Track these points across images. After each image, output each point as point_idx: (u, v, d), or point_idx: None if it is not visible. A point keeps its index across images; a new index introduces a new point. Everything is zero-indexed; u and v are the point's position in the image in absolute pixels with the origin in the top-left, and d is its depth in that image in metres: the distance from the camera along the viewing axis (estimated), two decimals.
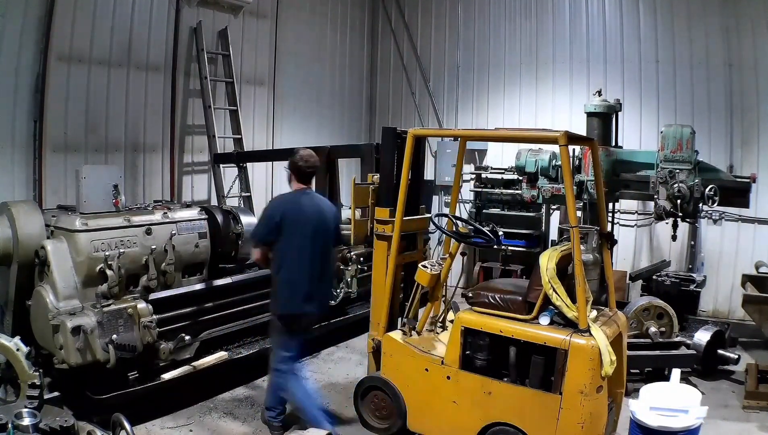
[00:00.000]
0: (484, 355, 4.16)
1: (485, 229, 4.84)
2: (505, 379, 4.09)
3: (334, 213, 4.69)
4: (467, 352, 4.22)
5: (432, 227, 5.75)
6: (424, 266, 4.68)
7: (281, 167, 8.60)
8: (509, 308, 4.12)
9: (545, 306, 4.01)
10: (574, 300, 3.87)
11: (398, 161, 4.90)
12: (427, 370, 4.37)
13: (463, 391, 4.18)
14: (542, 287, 3.95)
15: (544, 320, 3.98)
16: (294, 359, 4.48)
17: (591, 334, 3.77)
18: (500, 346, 4.11)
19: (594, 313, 4.09)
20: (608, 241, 4.58)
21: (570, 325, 3.89)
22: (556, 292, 3.89)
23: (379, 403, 4.65)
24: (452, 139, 9.13)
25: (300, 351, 4.56)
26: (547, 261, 3.97)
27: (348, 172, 7.32)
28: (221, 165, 7.59)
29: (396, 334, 4.66)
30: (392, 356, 4.58)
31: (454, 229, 4.86)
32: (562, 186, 5.81)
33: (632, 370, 5.51)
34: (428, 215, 5.44)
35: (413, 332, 4.68)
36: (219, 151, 7.55)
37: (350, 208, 5.36)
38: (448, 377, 4.23)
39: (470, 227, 4.92)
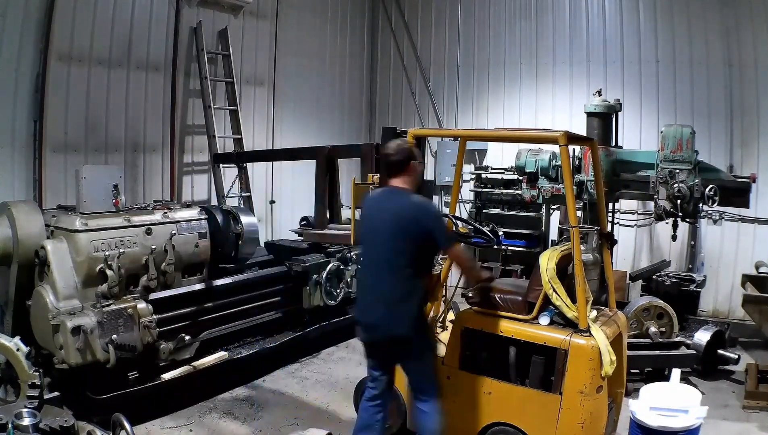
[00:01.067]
0: (484, 355, 4.16)
1: (485, 229, 4.83)
2: (505, 379, 4.09)
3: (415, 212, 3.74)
4: (467, 352, 4.22)
5: None
6: None
7: (281, 167, 8.71)
8: (509, 308, 4.11)
9: (545, 306, 4.01)
10: (574, 300, 3.86)
11: None
12: None
13: (463, 391, 4.18)
14: (542, 287, 3.94)
15: (544, 320, 3.98)
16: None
17: (591, 334, 3.77)
18: (500, 346, 4.11)
19: (594, 313, 4.09)
20: (608, 241, 4.57)
21: (570, 325, 3.89)
22: (556, 292, 3.89)
23: None
24: (452, 139, 9.12)
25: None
26: (547, 261, 3.97)
27: (348, 172, 7.32)
28: (221, 165, 7.59)
29: None
30: None
31: (454, 229, 4.85)
32: (562, 186, 5.81)
33: (632, 370, 5.50)
34: None
35: None
36: (219, 151, 7.56)
37: (350, 208, 5.36)
38: (448, 377, 4.23)
39: (470, 227, 4.92)
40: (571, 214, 4.01)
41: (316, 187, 6.16)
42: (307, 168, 6.55)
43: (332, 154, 6.16)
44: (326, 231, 6.09)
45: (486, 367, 4.15)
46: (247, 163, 7.85)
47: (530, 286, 4.13)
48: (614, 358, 3.76)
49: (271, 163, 8.62)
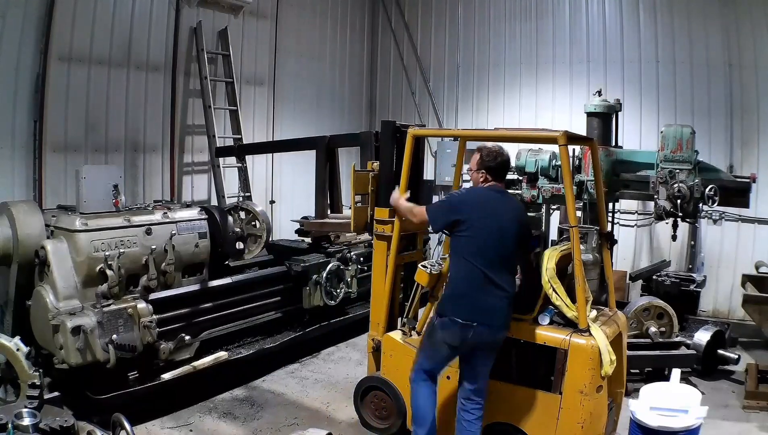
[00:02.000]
0: None
1: None
2: (505, 379, 4.08)
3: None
4: None
5: None
6: (424, 266, 4.66)
7: (281, 167, 8.70)
8: None
9: (545, 306, 4.01)
10: (574, 300, 3.87)
11: (398, 156, 4.90)
12: None
13: None
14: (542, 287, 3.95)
15: (544, 320, 3.98)
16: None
17: (591, 334, 3.77)
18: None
19: (594, 313, 4.09)
20: (608, 241, 4.58)
21: (570, 324, 3.89)
22: (556, 292, 3.89)
23: (379, 403, 4.65)
24: (452, 139, 9.12)
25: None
26: (547, 261, 3.97)
27: (348, 165, 7.34)
28: (221, 165, 7.58)
29: (396, 334, 4.66)
30: (392, 356, 4.58)
31: None
32: (562, 186, 5.79)
33: (632, 370, 5.50)
34: None
35: (413, 332, 4.67)
36: None
37: (350, 208, 5.36)
38: (448, 377, 4.22)
39: None
40: (570, 214, 4.00)
41: (316, 178, 6.16)
42: (307, 168, 6.56)
43: (332, 144, 6.16)
44: (327, 220, 6.09)
45: None
46: (247, 164, 7.86)
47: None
48: (614, 357, 3.76)
49: (271, 163, 8.63)
